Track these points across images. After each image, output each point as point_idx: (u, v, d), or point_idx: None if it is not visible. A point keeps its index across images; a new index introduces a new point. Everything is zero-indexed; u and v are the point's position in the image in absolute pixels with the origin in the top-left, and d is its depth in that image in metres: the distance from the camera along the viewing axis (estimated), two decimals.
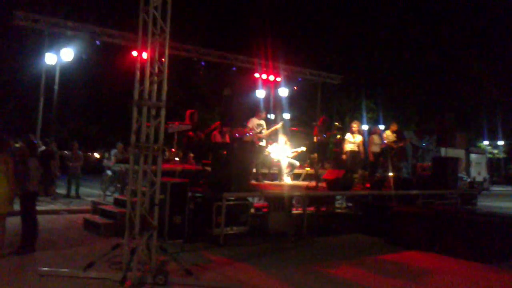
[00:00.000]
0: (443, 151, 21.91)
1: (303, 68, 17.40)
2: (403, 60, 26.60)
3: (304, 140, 14.89)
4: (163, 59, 6.10)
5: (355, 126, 12.00)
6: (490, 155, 31.24)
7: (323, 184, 10.33)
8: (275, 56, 16.84)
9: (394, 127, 12.92)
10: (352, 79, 22.51)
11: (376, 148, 12.25)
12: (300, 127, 15.34)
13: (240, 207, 8.78)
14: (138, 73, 6.04)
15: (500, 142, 34.75)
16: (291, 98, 18.12)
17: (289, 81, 17.40)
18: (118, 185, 13.07)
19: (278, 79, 16.44)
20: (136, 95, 6.05)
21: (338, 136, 12.02)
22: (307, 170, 12.72)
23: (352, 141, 12.00)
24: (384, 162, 12.21)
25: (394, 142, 12.62)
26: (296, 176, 12.47)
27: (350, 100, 25.36)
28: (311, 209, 11.91)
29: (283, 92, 17.58)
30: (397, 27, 26.50)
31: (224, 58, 15.03)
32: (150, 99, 6.06)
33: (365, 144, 12.78)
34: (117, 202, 9.89)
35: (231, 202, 8.58)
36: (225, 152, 8.58)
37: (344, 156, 11.88)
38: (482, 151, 29.01)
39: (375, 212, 10.07)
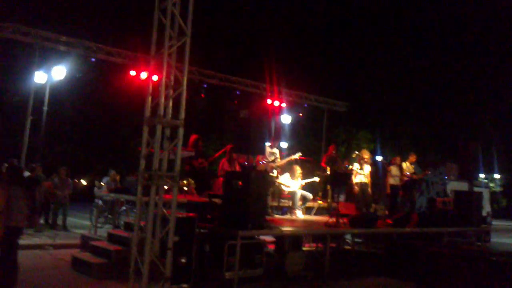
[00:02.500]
0: (450, 185, 21.04)
1: (309, 94, 16.47)
2: (402, 90, 25.98)
3: (312, 170, 14.02)
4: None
5: (366, 156, 10.98)
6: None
7: (344, 220, 9.21)
8: (279, 80, 15.94)
9: (413, 158, 12.00)
10: (356, 107, 21.68)
11: (394, 181, 11.21)
12: (307, 156, 14.33)
13: (255, 247, 7.69)
14: (150, 84, 4.86)
15: (497, 175, 34.03)
16: (294, 125, 17.14)
17: (292, 107, 16.43)
18: (110, 216, 11.85)
19: (283, 104, 15.43)
20: (147, 112, 4.87)
21: (356, 168, 11.00)
22: (320, 203, 11.72)
23: (362, 173, 11.02)
24: (405, 196, 11.18)
25: (414, 174, 11.67)
26: (307, 210, 11.47)
27: (351, 129, 24.50)
28: (315, 245, 11.09)
29: (286, 119, 16.61)
30: (401, 57, 26.10)
31: (228, 81, 14.04)
32: (165, 116, 4.88)
33: (379, 175, 11.81)
34: (111, 238, 8.59)
35: (246, 241, 7.44)
36: (240, 183, 7.43)
37: (356, 189, 10.84)
38: (485, 184, 28.18)
39: (403, 252, 8.97)
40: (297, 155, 11.34)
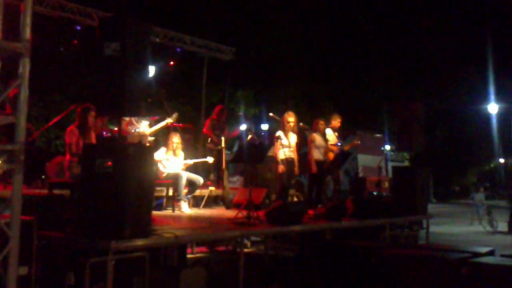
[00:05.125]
0: (360, 158, 21.49)
1: (183, 35, 15.24)
2: (301, 35, 25.80)
3: (192, 142, 13.25)
4: None
5: (291, 120, 10.29)
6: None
7: (258, 214, 8.39)
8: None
9: (336, 122, 11.60)
10: (244, 56, 20.90)
11: (319, 155, 10.60)
12: (184, 122, 13.35)
13: (135, 264, 6.56)
14: None
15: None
16: (161, 78, 15.84)
17: (159, 52, 15.04)
18: None
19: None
20: None
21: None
22: (212, 190, 10.99)
23: (286, 144, 10.29)
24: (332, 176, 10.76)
25: (336, 144, 11.28)
26: (195, 200, 10.72)
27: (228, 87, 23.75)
28: (202, 249, 10.77)
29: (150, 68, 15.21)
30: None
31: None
32: None
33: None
34: None
35: (123, 256, 6.23)
36: (109, 164, 6.15)
37: (280, 168, 10.12)
38: (402, 159, 29.64)
39: (344, 257, 8.39)
40: (173, 118, 10.37)
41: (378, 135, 25.43)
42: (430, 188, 27.45)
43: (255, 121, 25.09)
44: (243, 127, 16.26)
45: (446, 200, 38.94)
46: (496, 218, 18.15)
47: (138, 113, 7.31)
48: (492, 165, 44.53)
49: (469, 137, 37.07)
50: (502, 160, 42.64)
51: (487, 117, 32.74)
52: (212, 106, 15.07)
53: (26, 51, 4.08)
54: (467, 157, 38.80)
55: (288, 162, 10.35)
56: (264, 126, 24.27)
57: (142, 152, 6.49)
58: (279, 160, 10.34)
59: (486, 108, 30.53)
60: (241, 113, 14.64)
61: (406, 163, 30.14)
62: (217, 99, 21.15)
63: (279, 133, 10.39)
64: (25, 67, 4.30)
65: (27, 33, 4.10)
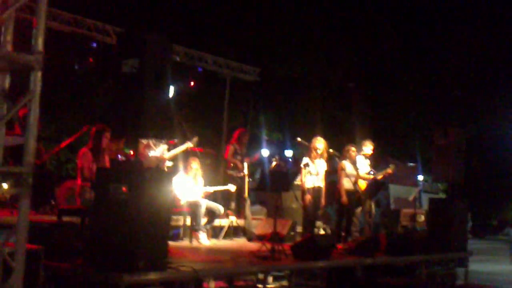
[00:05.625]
0: (392, 189, 21.09)
1: (204, 53, 15.19)
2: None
3: (214, 168, 13.16)
4: None
5: (321, 146, 10.11)
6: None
7: (284, 247, 8.20)
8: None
9: (369, 148, 11.38)
10: (268, 77, 20.83)
11: (349, 184, 10.39)
12: (204, 146, 13.22)
13: None
14: None
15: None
16: (181, 99, 15.79)
17: (178, 71, 15.01)
18: None
19: None
20: None
21: None
22: (233, 222, 10.81)
23: (314, 172, 10.10)
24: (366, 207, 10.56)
25: (369, 173, 11.06)
26: (214, 231, 10.50)
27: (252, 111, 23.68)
28: (220, 284, 10.34)
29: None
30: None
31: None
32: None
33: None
34: None
35: None
36: (124, 190, 6.04)
37: (308, 198, 9.91)
38: (436, 190, 29.11)
39: None
40: (193, 142, 10.28)
41: (411, 164, 25.01)
42: (469, 222, 26.92)
43: (278, 146, 24.97)
44: (265, 152, 16.10)
45: (483, 235, 38.18)
46: None
47: (157, 135, 7.22)
48: None
49: (509, 167, 36.43)
50: None
51: None
52: (233, 130, 14.96)
53: (38, 65, 3.94)
54: (506, 189, 38.09)
55: (315, 191, 10.16)
56: (288, 152, 24.11)
57: (160, 177, 6.41)
58: (305, 189, 10.15)
59: None
60: (266, 137, 14.46)
61: (441, 195, 29.65)
62: (239, 123, 21.08)
63: (306, 159, 10.21)
64: (36, 82, 4.16)
65: (40, 45, 3.96)
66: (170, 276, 6.34)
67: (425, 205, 15.68)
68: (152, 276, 6.05)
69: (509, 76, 31.09)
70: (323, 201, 10.39)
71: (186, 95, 16.14)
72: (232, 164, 11.58)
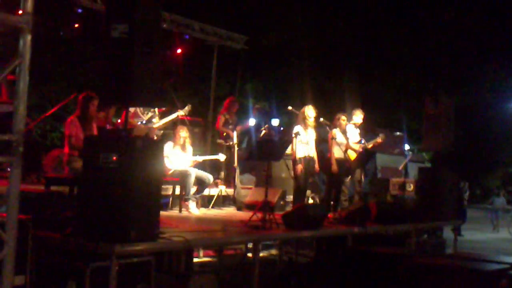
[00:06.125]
0: (379, 158, 21.11)
1: (191, 20, 14.93)
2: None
3: (202, 137, 13.11)
4: None
5: (312, 114, 10.00)
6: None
7: (274, 216, 8.14)
8: None
9: (359, 117, 11.34)
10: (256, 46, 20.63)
11: (340, 153, 10.30)
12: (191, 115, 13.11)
13: (140, 270, 6.34)
14: None
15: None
16: (168, 67, 15.60)
17: (165, 39, 14.77)
18: None
19: None
20: None
21: None
22: (222, 191, 10.88)
23: (305, 141, 10.01)
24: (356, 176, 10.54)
25: (360, 142, 11.02)
26: (203, 200, 10.49)
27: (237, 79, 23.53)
28: (209, 253, 10.75)
29: None
30: None
31: None
32: None
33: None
34: None
35: (127, 261, 6.02)
36: (114, 159, 5.91)
37: (299, 168, 9.83)
38: (422, 159, 29.16)
39: (369, 266, 8.20)
40: (185, 110, 10.13)
41: (398, 133, 25.01)
42: (466, 191, 27.08)
43: (264, 115, 24.83)
44: (251, 121, 16.05)
45: (468, 204, 38.59)
46: None
47: (148, 103, 7.06)
48: None
49: (493, 137, 36.67)
50: None
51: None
52: (220, 99, 14.78)
53: (28, 27, 3.75)
54: (489, 158, 38.39)
55: (307, 161, 10.05)
56: (275, 121, 24.03)
57: (151, 146, 6.26)
58: (297, 158, 10.04)
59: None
60: (257, 106, 14.32)
61: (426, 164, 29.79)
62: (225, 92, 20.92)
63: (298, 128, 10.08)
64: (26, 45, 3.97)
65: (29, 6, 3.76)
66: (162, 246, 6.25)
67: (412, 174, 15.79)
68: (144, 246, 5.96)
69: (496, 47, 31.07)
70: (316, 168, 10.30)
71: (172, 63, 15.93)
72: (224, 134, 11.54)
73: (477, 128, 36.28)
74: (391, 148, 22.26)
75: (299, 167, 9.93)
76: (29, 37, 3.86)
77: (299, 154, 9.96)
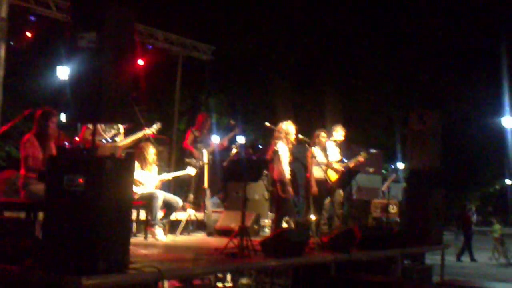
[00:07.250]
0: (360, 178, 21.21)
1: (156, 30, 14.94)
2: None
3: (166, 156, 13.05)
4: None
5: (292, 129, 10.03)
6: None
7: (253, 243, 8.06)
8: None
9: (340, 134, 11.41)
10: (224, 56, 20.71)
11: (320, 173, 10.31)
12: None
13: None
14: None
15: (400, 165, 35.63)
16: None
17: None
18: None
19: None
20: None
21: None
22: (191, 215, 10.67)
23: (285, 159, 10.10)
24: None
25: (342, 161, 11.09)
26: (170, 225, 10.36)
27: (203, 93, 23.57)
28: (174, 283, 10.01)
29: None
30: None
31: None
32: None
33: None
34: None
35: None
36: (81, 181, 5.79)
37: (290, 190, 9.93)
38: (397, 179, 29.36)
39: None
40: (154, 128, 10.07)
41: (373, 150, 25.19)
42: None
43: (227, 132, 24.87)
44: (241, 139, 16.13)
45: (445, 225, 38.97)
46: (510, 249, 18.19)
47: (119, 119, 6.94)
48: (497, 187, 44.89)
49: (472, 155, 37.28)
50: (509, 182, 42.98)
51: (492, 132, 32.96)
52: (183, 114, 14.67)
53: (2, 33, 3.65)
54: (470, 178, 38.98)
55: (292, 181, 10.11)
56: (240, 138, 24.06)
57: (121, 167, 6.10)
58: (286, 180, 10.01)
59: (492, 123, 30.81)
60: (233, 122, 14.30)
61: (403, 184, 29.98)
62: (187, 107, 20.92)
63: (280, 145, 10.04)
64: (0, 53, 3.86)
65: (4, 11, 3.66)
66: (134, 278, 6.09)
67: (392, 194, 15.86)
68: (114, 278, 5.80)
69: (476, 63, 31.70)
70: (291, 191, 10.24)
71: (134, 75, 15.85)
72: (188, 152, 11.50)
73: (456, 146, 36.83)
74: (367, 167, 22.34)
75: (290, 189, 9.89)
76: (3, 44, 3.78)
77: (288, 175, 9.93)
